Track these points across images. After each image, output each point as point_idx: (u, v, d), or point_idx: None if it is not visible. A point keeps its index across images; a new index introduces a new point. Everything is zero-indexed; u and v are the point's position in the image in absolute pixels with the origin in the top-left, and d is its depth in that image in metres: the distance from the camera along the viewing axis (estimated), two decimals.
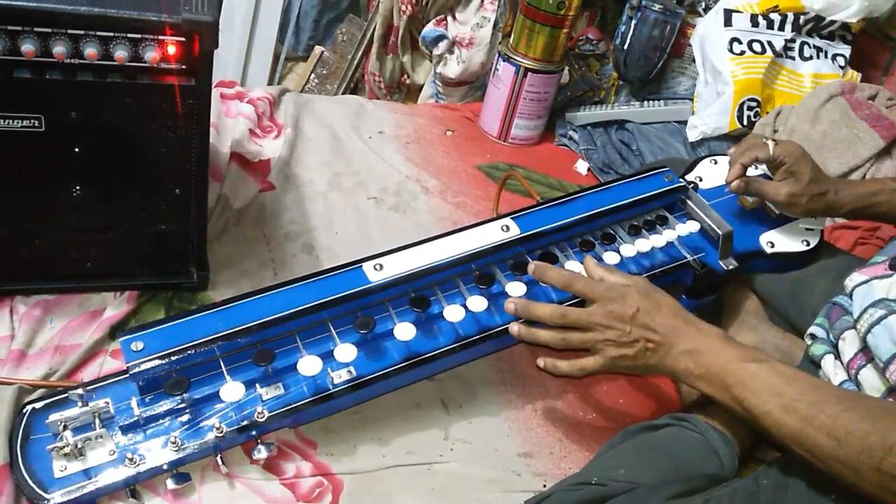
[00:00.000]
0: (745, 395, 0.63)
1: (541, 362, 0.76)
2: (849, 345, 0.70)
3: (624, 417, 0.87)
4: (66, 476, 0.65)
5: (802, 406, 0.59)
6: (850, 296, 0.72)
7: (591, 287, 0.75)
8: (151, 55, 0.69)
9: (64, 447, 0.65)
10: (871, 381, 0.66)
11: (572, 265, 0.84)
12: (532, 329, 0.76)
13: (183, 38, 0.70)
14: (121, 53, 0.68)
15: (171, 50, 0.70)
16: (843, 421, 0.56)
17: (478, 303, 0.78)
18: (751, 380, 0.63)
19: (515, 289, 0.80)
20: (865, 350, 0.67)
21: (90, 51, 0.67)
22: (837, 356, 0.72)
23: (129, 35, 0.68)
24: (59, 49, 0.66)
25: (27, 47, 0.65)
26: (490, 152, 1.36)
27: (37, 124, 0.70)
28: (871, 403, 0.60)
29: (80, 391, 0.66)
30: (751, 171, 0.92)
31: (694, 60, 1.42)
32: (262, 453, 0.70)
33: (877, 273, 0.71)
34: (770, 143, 0.88)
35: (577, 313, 0.73)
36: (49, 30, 0.66)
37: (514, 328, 0.77)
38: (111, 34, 0.67)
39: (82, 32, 0.67)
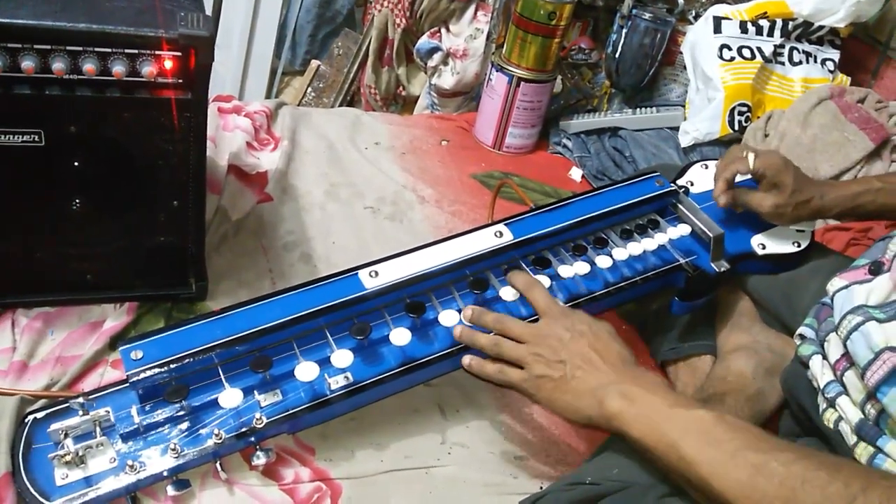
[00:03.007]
0: (686, 441, 0.57)
1: (466, 360, 0.74)
2: (833, 347, 0.70)
3: None
4: (68, 484, 0.66)
5: (751, 453, 0.53)
6: (832, 300, 0.73)
7: (547, 301, 0.73)
8: (148, 70, 0.71)
9: (65, 455, 0.65)
10: (854, 384, 0.66)
11: (565, 270, 0.85)
12: (473, 331, 0.75)
13: (179, 53, 0.71)
14: (119, 69, 0.70)
15: (168, 64, 0.71)
16: (797, 469, 0.51)
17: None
18: (694, 425, 0.57)
19: (509, 294, 0.81)
20: (848, 354, 0.68)
21: (89, 66, 0.69)
22: (825, 357, 0.73)
23: (127, 50, 0.69)
24: (58, 65, 0.68)
25: (27, 64, 0.67)
26: (485, 161, 1.38)
27: (37, 139, 0.72)
28: (825, 456, 0.55)
29: (80, 400, 0.67)
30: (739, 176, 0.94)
31: (685, 67, 1.44)
32: (260, 459, 0.70)
33: (857, 278, 0.71)
34: (750, 155, 0.88)
35: (515, 323, 0.72)
36: (48, 46, 0.67)
37: (457, 330, 0.76)
38: (109, 50, 0.69)
39: (81, 49, 0.68)
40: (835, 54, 1.40)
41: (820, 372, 0.72)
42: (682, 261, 0.91)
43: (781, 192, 0.87)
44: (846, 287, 0.71)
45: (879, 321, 0.64)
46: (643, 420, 0.61)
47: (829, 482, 0.49)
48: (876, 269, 0.71)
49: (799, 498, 0.50)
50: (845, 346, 0.67)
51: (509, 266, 0.86)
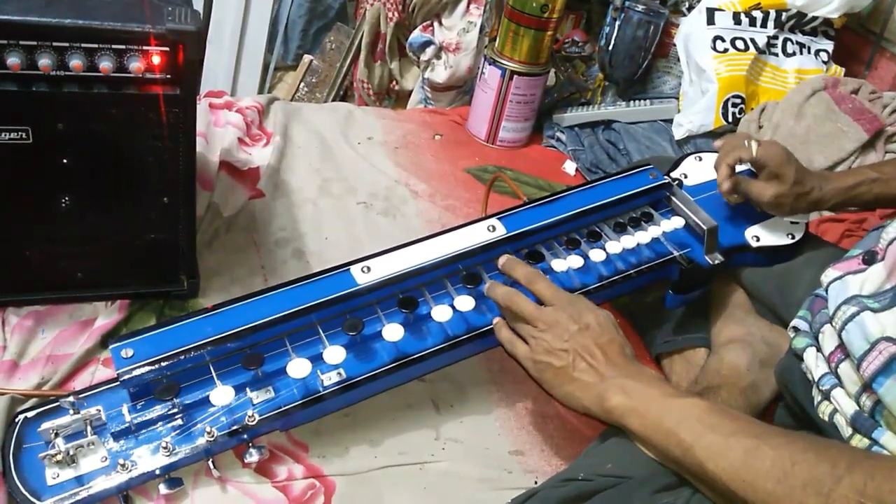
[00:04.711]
0: (682, 428, 0.59)
1: (496, 319, 0.78)
2: (828, 339, 0.70)
3: None
4: (59, 483, 0.66)
5: (744, 437, 0.56)
6: (826, 291, 0.72)
7: (552, 290, 0.75)
8: (136, 66, 0.70)
9: (56, 455, 0.65)
10: (849, 376, 0.66)
11: (558, 263, 0.85)
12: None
13: (167, 48, 0.70)
14: (106, 64, 0.69)
15: (156, 60, 0.71)
16: (787, 451, 0.53)
17: (465, 302, 0.79)
18: (690, 412, 0.60)
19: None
20: (842, 345, 0.67)
21: (75, 62, 0.68)
22: (819, 349, 0.72)
23: (114, 46, 0.69)
24: (44, 61, 0.67)
25: (12, 60, 0.66)
26: (479, 155, 1.37)
27: (24, 136, 0.71)
28: (814, 439, 0.57)
29: (71, 399, 0.67)
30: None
31: (678, 59, 1.43)
32: (253, 457, 0.70)
33: (851, 268, 0.71)
34: (753, 144, 0.89)
35: (525, 303, 0.74)
36: (34, 42, 0.66)
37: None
38: (96, 46, 0.68)
39: (67, 44, 0.67)
40: (828, 45, 1.39)
41: (814, 364, 0.72)
42: (675, 253, 0.91)
43: (783, 182, 0.88)
44: (840, 278, 0.71)
45: (874, 311, 0.64)
46: (641, 411, 0.63)
47: (817, 463, 0.51)
48: (870, 258, 0.71)
49: (789, 478, 0.52)
50: (840, 337, 0.67)
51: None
